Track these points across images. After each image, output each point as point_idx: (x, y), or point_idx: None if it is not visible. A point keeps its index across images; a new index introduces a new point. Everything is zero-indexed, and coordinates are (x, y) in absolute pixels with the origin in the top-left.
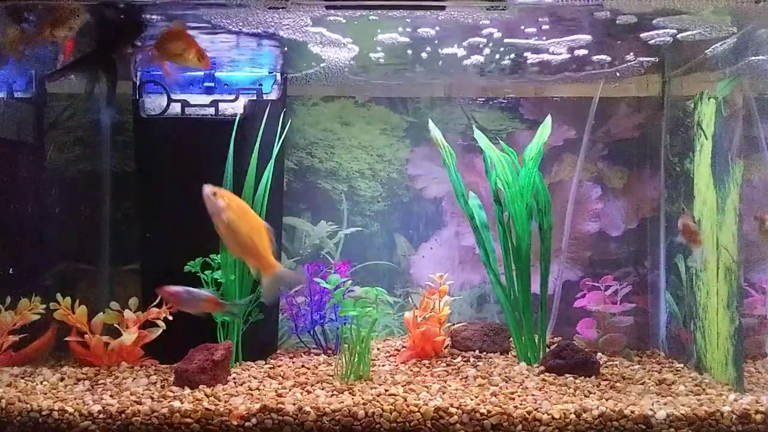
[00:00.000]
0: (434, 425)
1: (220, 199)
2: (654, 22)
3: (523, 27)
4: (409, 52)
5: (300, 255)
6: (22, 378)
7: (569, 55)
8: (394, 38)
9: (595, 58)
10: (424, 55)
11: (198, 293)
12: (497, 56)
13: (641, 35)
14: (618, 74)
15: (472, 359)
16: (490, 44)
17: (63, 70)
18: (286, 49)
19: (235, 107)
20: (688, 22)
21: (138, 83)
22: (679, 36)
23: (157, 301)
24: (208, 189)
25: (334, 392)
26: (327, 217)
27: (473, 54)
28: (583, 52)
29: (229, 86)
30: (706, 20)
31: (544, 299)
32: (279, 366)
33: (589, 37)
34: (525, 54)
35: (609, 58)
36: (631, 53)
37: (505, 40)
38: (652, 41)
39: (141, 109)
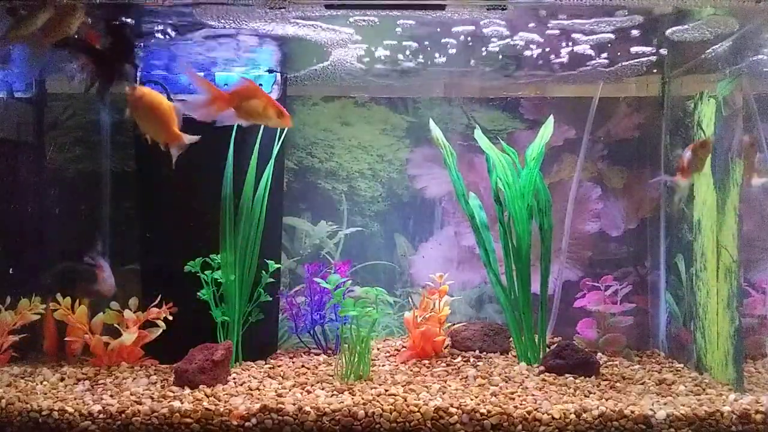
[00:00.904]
0: (434, 425)
1: (137, 92)
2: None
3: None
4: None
5: (300, 255)
6: (22, 378)
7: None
8: (369, 20)
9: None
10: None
11: None
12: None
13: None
14: (642, 69)
15: (472, 359)
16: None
17: (64, 43)
18: (286, 48)
19: None
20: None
21: (138, 83)
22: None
23: (157, 301)
24: (128, 88)
25: (334, 392)
26: (327, 217)
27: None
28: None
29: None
30: (708, 19)
31: (544, 299)
32: (279, 366)
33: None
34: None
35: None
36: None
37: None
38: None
39: None
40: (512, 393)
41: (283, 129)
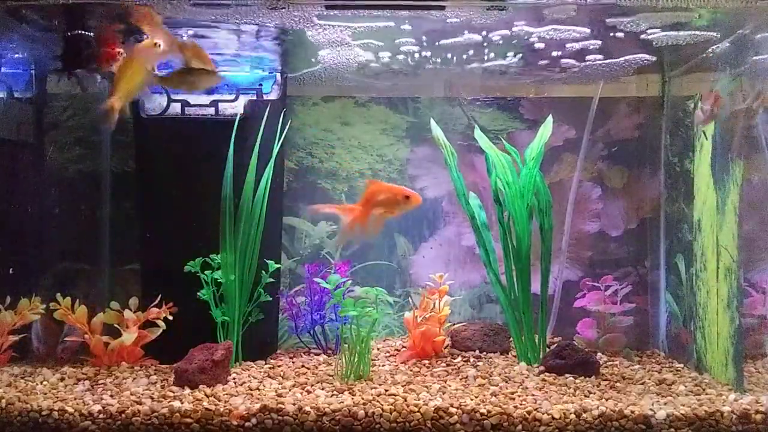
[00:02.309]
0: (434, 425)
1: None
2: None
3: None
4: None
5: (300, 255)
6: (22, 378)
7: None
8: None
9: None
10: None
11: None
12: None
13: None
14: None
15: (472, 359)
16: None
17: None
18: (286, 47)
19: (235, 107)
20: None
21: None
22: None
23: (157, 300)
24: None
25: (334, 392)
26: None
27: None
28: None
29: (229, 86)
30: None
31: (544, 299)
32: (279, 366)
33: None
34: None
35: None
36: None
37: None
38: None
39: (141, 109)
40: (512, 393)
41: (284, 129)
